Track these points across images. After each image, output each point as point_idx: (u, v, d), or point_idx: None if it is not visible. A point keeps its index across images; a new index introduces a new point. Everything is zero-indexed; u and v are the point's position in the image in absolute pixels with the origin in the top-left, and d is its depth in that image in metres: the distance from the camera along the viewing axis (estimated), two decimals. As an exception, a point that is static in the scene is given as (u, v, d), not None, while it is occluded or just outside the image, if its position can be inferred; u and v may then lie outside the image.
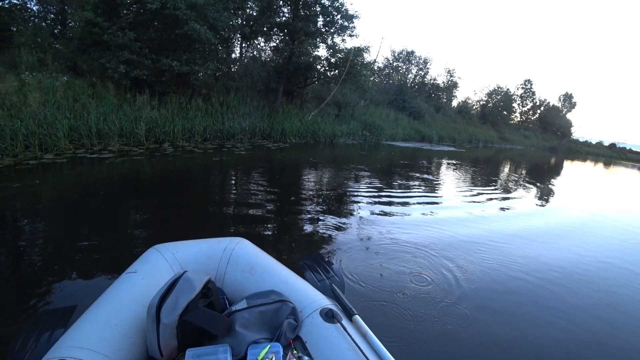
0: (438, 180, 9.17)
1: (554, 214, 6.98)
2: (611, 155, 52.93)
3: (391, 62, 30.65)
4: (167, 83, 11.00)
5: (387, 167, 10.33)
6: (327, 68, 14.17)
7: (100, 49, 10.31)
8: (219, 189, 5.78)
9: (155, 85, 10.80)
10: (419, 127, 22.64)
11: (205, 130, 10.00)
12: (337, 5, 12.10)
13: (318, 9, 12.24)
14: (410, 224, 4.94)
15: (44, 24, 14.12)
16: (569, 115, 48.81)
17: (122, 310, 1.26)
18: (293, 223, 4.43)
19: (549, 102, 47.57)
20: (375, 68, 28.84)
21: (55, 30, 13.75)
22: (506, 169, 15.37)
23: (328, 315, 1.33)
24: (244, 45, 17.64)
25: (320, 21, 12.08)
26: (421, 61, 30.48)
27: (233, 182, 6.41)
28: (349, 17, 12.63)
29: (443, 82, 31.89)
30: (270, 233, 4.01)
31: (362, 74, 14.20)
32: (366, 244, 4.00)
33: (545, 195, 9.60)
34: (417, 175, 9.54)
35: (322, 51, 14.22)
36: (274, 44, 14.85)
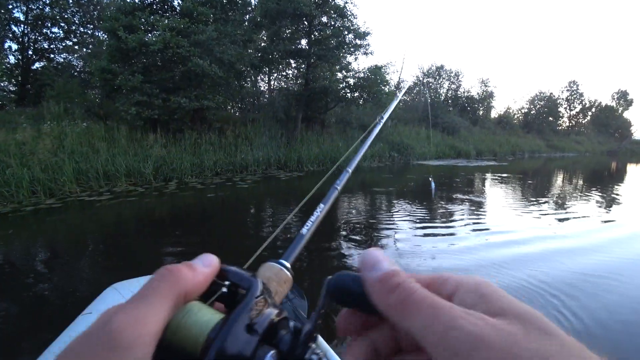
0: (479, 201, 8.04)
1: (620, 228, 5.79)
2: (683, 154, 47.33)
3: (421, 79, 29.74)
4: (181, 120, 10.95)
5: (416, 191, 9.35)
6: (346, 90, 13.62)
7: (116, 94, 10.57)
8: (192, 229, 5.19)
9: (170, 123, 10.80)
10: (454, 142, 21.28)
11: (216, 164, 9.67)
12: (347, 25, 11.67)
13: (329, 32, 11.85)
14: (453, 251, 4.46)
15: (74, 72, 15.04)
16: (626, 114, 44.59)
17: None
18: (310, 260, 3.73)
19: (600, 102, 43.82)
20: (400, 86, 28.12)
21: (83, 78, 14.50)
22: (558, 180, 13.68)
23: None
24: (263, 76, 17.77)
25: (333, 42, 11.64)
26: (452, 74, 29.31)
27: (217, 219, 5.83)
28: (361, 35, 12.13)
29: (478, 93, 30.33)
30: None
31: (383, 91, 13.49)
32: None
33: (608, 205, 8.15)
34: (454, 196, 8.49)
35: (339, 73, 13.67)
36: (290, 72, 14.62)
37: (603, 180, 14.50)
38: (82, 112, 11.37)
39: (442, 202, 7.73)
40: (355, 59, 12.98)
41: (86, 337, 0.19)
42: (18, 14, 13.81)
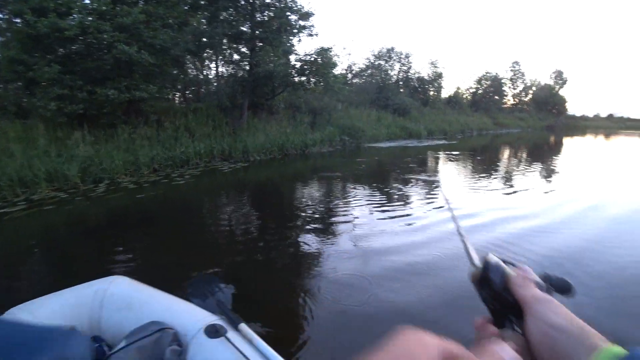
0: (433, 180, 8.27)
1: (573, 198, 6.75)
2: (610, 126, 51.90)
3: (372, 61, 29.74)
4: (112, 114, 10.04)
5: (369, 174, 9.36)
6: (293, 74, 13.18)
7: (34, 88, 9.45)
8: (114, 236, 4.73)
9: (100, 118, 9.88)
10: (405, 123, 21.59)
11: (153, 160, 8.99)
12: (290, 5, 11.15)
13: (271, 13, 11.29)
14: (411, 230, 4.71)
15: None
16: (561, 92, 47.83)
17: None
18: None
19: (540, 82, 46.66)
20: (349, 68, 28.03)
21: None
22: (505, 155, 14.59)
23: (212, 331, 1.32)
24: (209, 63, 16.83)
25: (275, 24, 11.10)
26: (403, 56, 29.56)
27: (145, 222, 5.38)
28: (305, 16, 11.69)
29: (428, 74, 30.91)
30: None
31: (331, 74, 13.22)
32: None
33: (549, 176, 9.50)
34: (407, 176, 8.64)
35: (284, 57, 13.19)
36: (234, 57, 13.92)
37: (544, 153, 15.63)
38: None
39: (397, 184, 7.81)
40: (299, 40, 12.52)
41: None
42: None
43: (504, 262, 0.41)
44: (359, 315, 2.75)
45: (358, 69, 29.06)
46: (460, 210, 5.53)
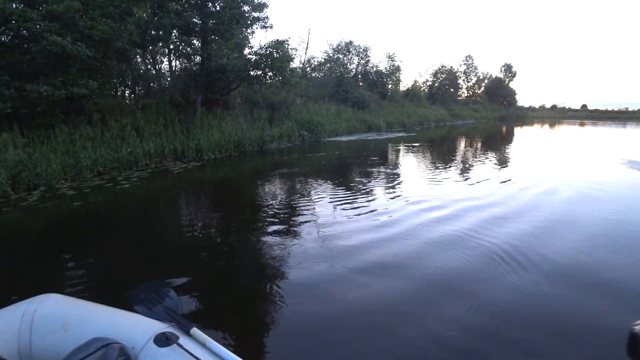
0: (393, 172, 8.32)
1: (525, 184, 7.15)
2: (554, 116, 56.10)
3: (331, 55, 29.66)
4: (49, 113, 9.19)
5: (329, 169, 9.25)
6: (248, 68, 12.75)
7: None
8: (42, 252, 4.28)
9: (35, 118, 9.01)
10: (365, 117, 21.75)
11: (97, 163, 8.34)
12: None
13: (222, 4, 10.79)
14: (376, 226, 4.69)
15: None
16: (511, 85, 50.53)
17: None
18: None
19: (491, 75, 48.91)
20: (306, 61, 27.84)
21: None
22: (462, 145, 15.12)
23: (162, 340, 1.27)
24: (162, 57, 15.92)
25: (226, 15, 10.62)
26: (361, 50, 29.72)
27: (80, 234, 4.94)
28: (258, 7, 11.30)
29: (386, 67, 31.33)
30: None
31: (288, 68, 12.93)
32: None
33: (504, 164, 10.00)
34: (369, 170, 8.70)
35: (238, 50, 12.73)
36: (189, 50, 13.26)
37: (497, 143, 16.38)
38: None
39: (358, 178, 7.77)
40: (252, 32, 12.09)
41: None
42: None
43: None
44: (326, 319, 2.63)
45: (317, 63, 28.90)
46: (422, 204, 5.57)
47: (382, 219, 4.90)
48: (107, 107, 11.03)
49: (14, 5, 7.61)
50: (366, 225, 4.67)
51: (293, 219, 5.03)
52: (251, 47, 12.54)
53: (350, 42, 28.95)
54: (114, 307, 1.55)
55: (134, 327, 1.39)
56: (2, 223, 5.26)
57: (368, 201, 5.85)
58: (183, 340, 1.30)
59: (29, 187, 7.25)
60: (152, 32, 10.40)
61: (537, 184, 7.09)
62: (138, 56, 14.28)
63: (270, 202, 6.07)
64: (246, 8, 11.18)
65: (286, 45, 12.96)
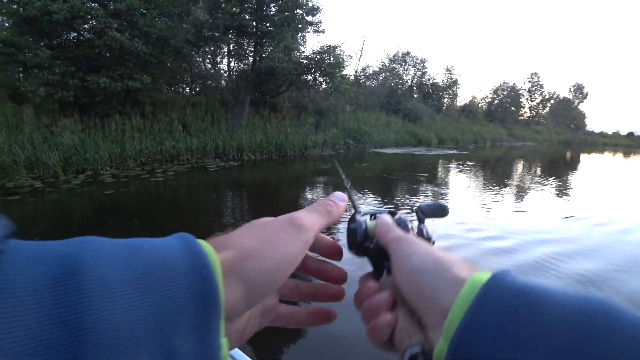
0: (440, 192, 7.61)
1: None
2: (630, 144, 50.18)
3: (386, 64, 29.16)
4: (107, 103, 9.73)
5: (368, 181, 8.80)
6: (297, 71, 12.68)
7: (26, 73, 9.22)
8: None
9: (95, 106, 9.58)
10: (415, 130, 20.93)
11: (140, 153, 8.62)
12: (296, -1, 10.68)
13: (276, 6, 10.84)
14: None
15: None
16: (581, 107, 46.38)
17: None
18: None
19: (558, 95, 45.35)
20: (361, 70, 27.51)
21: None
22: (519, 169, 13.80)
23: None
24: (222, 58, 16.50)
25: (278, 18, 10.65)
26: (418, 61, 28.90)
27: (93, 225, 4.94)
28: (312, 10, 11.22)
29: (442, 80, 30.16)
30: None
31: (338, 75, 12.70)
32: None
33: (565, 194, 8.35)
34: (414, 186, 8.03)
35: (289, 54, 12.71)
36: (238, 51, 13.52)
37: (562, 169, 14.79)
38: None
39: (403, 194, 7.22)
40: (303, 36, 12.02)
41: (276, 219, 0.30)
42: None
43: (371, 214, 0.43)
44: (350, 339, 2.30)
45: (372, 72, 28.53)
46: (476, 230, 4.88)
47: None
48: (160, 101, 11.51)
49: (81, 2, 8.06)
50: None
51: (329, 229, 4.70)
52: (302, 52, 12.45)
53: (408, 53, 28.30)
54: None
55: None
56: (42, 202, 5.47)
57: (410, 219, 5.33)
58: None
59: (77, 170, 7.69)
60: (207, 33, 10.66)
61: (611, 222, 6.01)
62: (197, 55, 14.89)
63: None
64: (299, 11, 11.14)
65: (340, 52, 12.77)
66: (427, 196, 7.16)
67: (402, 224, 0.39)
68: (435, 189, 8.04)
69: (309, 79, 13.11)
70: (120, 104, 10.30)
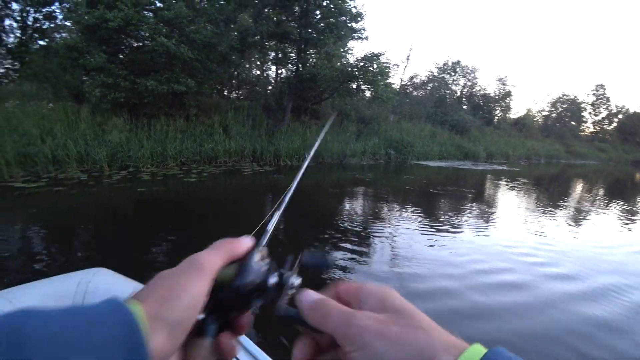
0: (485, 210, 7.00)
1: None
2: None
3: (435, 74, 28.29)
4: (155, 105, 10.20)
5: (409, 193, 8.33)
6: (339, 79, 12.52)
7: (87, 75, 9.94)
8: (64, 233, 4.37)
9: (142, 107, 10.08)
10: (462, 143, 19.96)
11: (180, 153, 8.89)
12: (339, 4, 10.56)
13: (319, 13, 10.82)
14: (453, 263, 3.89)
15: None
16: (657, 123, 41.86)
17: None
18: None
19: (628, 109, 41.30)
20: (408, 79, 26.86)
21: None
22: (579, 190, 12.49)
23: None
24: (268, 64, 16.87)
25: (322, 25, 10.61)
26: (469, 71, 27.74)
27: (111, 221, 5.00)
28: (355, 17, 11.06)
29: (495, 92, 28.67)
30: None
31: (381, 82, 12.39)
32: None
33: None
34: (458, 203, 7.47)
35: (331, 60, 12.61)
36: (281, 57, 13.68)
37: (626, 192, 13.18)
38: (59, 92, 10.77)
39: (445, 210, 6.72)
40: (346, 44, 11.85)
41: (179, 266, 0.31)
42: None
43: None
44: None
45: (419, 81, 27.80)
46: (529, 257, 4.27)
47: (467, 259, 4.01)
48: (205, 104, 11.90)
49: (133, 10, 8.54)
50: (449, 263, 3.87)
51: (365, 239, 4.49)
52: (345, 59, 12.30)
53: (458, 62, 27.26)
54: None
55: None
56: (81, 195, 5.75)
57: (454, 237, 4.91)
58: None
59: (121, 166, 8.10)
60: (250, 39, 10.87)
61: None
62: (245, 61, 15.31)
63: (343, 218, 5.56)
64: (342, 18, 11.03)
65: (387, 61, 12.49)
66: (472, 213, 6.58)
67: (286, 283, 0.37)
68: (481, 206, 7.42)
69: (353, 86, 12.92)
70: (167, 105, 10.76)
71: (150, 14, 9.33)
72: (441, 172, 13.45)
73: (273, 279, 0.37)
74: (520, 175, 14.76)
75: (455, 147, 19.01)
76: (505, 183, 11.74)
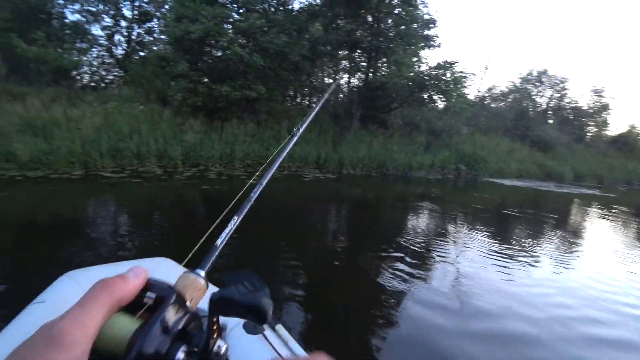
0: (570, 241, 6.09)
1: None
2: None
3: (518, 85, 26.16)
4: (228, 109, 10.86)
5: (482, 214, 7.66)
6: (409, 88, 12.14)
7: (171, 80, 10.94)
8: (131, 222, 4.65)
9: (218, 111, 10.78)
10: (546, 161, 18.09)
11: (247, 156, 9.32)
12: (412, 12, 10.26)
13: (390, 21, 10.63)
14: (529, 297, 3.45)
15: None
16: None
17: None
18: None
19: None
20: (487, 89, 25.18)
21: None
22: None
23: (250, 327, 1.30)
24: (341, 73, 17.06)
25: (392, 33, 10.40)
26: (557, 81, 25.15)
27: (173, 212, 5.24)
28: (427, 24, 10.64)
29: (588, 104, 25.60)
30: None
31: (455, 92, 11.76)
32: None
33: None
34: (537, 231, 6.62)
35: (401, 69, 12.29)
36: (351, 65, 13.70)
37: None
38: (150, 96, 12.02)
39: (520, 236, 5.99)
40: (416, 52, 11.43)
41: (31, 339, 0.23)
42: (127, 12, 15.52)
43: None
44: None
45: (499, 92, 25.92)
46: (630, 308, 3.62)
47: (549, 300, 3.46)
48: (275, 111, 12.34)
49: (212, 23, 9.23)
50: (525, 301, 3.34)
51: (426, 260, 4.19)
52: (417, 67, 11.88)
53: (544, 71, 24.86)
54: (212, 285, 1.50)
55: None
56: (152, 187, 6.37)
57: (531, 269, 4.30)
58: (268, 332, 1.36)
59: (192, 164, 8.74)
60: (321, 48, 11.05)
61: None
62: (318, 69, 15.64)
63: (403, 234, 5.27)
64: (414, 26, 10.69)
65: (462, 70, 11.84)
66: (554, 243, 5.74)
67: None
68: (566, 235, 6.46)
69: (424, 96, 12.42)
70: (239, 110, 11.37)
71: (229, 26, 10.02)
72: (518, 192, 12.24)
73: (181, 355, 0.28)
74: (618, 202, 12.69)
75: (537, 166, 17.26)
76: (597, 210, 10.18)
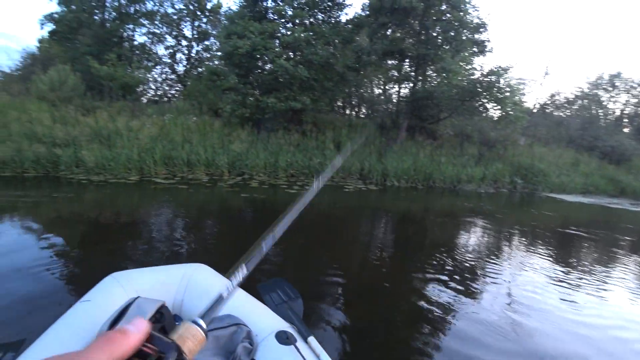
0: None
1: None
2: None
3: (587, 91, 23.93)
4: (275, 120, 11.17)
5: (542, 234, 6.97)
6: (461, 97, 11.57)
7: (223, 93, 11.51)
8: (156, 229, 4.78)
9: (265, 122, 11.12)
10: (618, 174, 16.23)
11: (290, 166, 9.46)
12: (461, 17, 9.84)
13: (438, 28, 10.31)
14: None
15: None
16: None
17: (72, 339, 1.22)
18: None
19: None
20: (551, 98, 23.44)
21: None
22: None
23: (283, 338, 1.36)
24: (392, 84, 16.91)
25: (439, 39, 10.07)
26: (633, 84, 22.64)
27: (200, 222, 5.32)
28: (477, 28, 10.14)
29: (672, 112, 22.76)
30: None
31: (509, 100, 11.04)
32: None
33: None
34: (609, 254, 5.99)
35: (450, 77, 11.78)
36: (397, 75, 13.46)
37: None
38: (202, 108, 12.74)
39: (589, 261, 5.31)
40: (462, 58, 10.84)
41: None
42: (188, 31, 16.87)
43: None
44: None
45: (563, 99, 23.97)
46: None
47: (625, 335, 2.98)
48: (321, 121, 12.43)
49: (259, 38, 9.62)
50: (593, 338, 2.85)
51: (476, 279, 3.87)
52: (467, 74, 11.28)
53: (618, 74, 22.48)
54: (247, 293, 1.66)
55: (260, 317, 1.51)
56: (197, 194, 6.73)
57: (601, 300, 3.66)
58: (300, 344, 1.35)
59: (237, 173, 9.09)
60: (366, 58, 10.98)
61: None
62: (366, 80, 15.61)
63: (451, 250, 4.89)
64: (465, 31, 10.25)
65: (520, 78, 11.15)
66: (630, 269, 4.97)
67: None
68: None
69: (476, 105, 11.79)
70: (286, 121, 11.62)
71: (276, 40, 10.37)
72: (584, 209, 11.00)
73: None
74: None
75: (607, 180, 15.53)
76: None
